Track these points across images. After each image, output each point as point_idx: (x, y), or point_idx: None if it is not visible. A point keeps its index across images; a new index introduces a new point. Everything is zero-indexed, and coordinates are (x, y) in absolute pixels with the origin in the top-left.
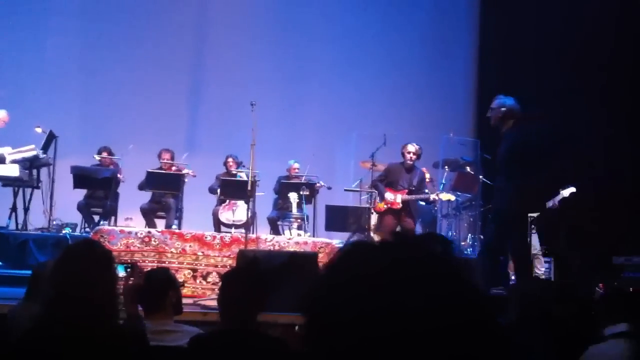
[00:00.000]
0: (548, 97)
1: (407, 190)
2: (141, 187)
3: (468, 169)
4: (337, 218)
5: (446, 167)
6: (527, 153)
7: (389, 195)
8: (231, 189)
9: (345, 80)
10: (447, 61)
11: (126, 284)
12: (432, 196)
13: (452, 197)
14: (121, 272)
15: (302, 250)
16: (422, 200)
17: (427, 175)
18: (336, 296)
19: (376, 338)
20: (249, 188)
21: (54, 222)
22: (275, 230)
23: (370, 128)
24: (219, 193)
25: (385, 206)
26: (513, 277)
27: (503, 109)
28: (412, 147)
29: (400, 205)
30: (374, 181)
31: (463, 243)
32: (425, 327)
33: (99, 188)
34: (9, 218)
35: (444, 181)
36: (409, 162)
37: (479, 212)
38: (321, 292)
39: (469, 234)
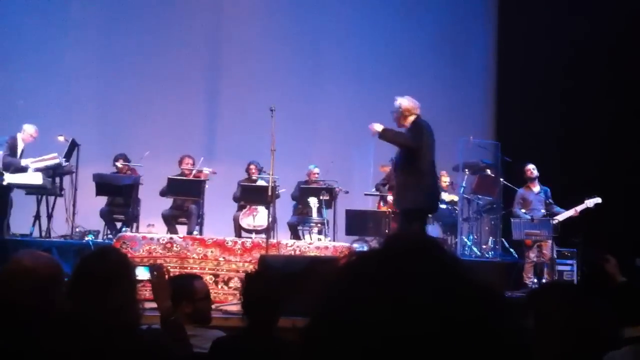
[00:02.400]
0: (569, 97)
1: None
2: (163, 193)
3: (488, 171)
4: (357, 222)
5: (466, 170)
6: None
7: (390, 198)
8: (251, 194)
9: (364, 84)
10: (465, 63)
11: (153, 283)
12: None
13: (456, 197)
14: (145, 274)
15: (323, 254)
16: None
17: (448, 179)
18: (338, 305)
19: (378, 344)
20: (269, 193)
21: (77, 230)
22: (296, 235)
23: None
24: (238, 199)
25: (388, 209)
26: (528, 282)
27: (400, 109)
28: None
29: None
30: (377, 185)
31: (484, 246)
32: (428, 330)
33: (120, 195)
34: (33, 225)
35: (464, 184)
36: None
37: (500, 215)
38: (327, 299)
39: (490, 237)
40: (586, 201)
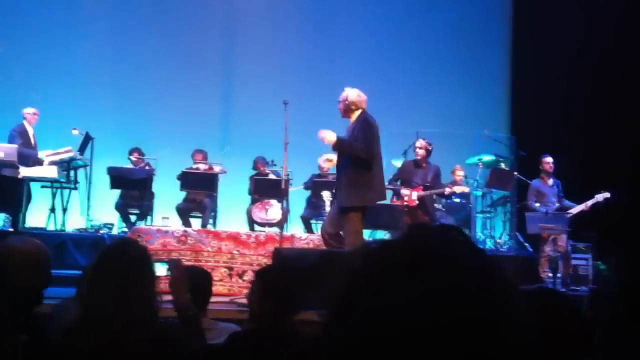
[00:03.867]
0: (586, 91)
1: (421, 187)
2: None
3: (502, 165)
4: (370, 216)
5: (481, 164)
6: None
7: (404, 192)
8: (265, 188)
9: (377, 78)
10: (480, 57)
11: (172, 278)
12: (447, 190)
13: (467, 189)
14: (163, 269)
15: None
16: (437, 194)
17: (461, 173)
18: (361, 295)
19: (398, 336)
20: (283, 187)
21: (92, 223)
22: (309, 229)
23: (403, 126)
24: (252, 192)
25: (402, 204)
26: (544, 276)
27: (347, 101)
28: (418, 143)
29: (417, 202)
30: (389, 179)
31: (498, 240)
32: (447, 320)
33: (134, 188)
34: (48, 219)
35: (478, 178)
36: (418, 158)
37: (515, 208)
38: (346, 292)
39: (504, 231)
40: (596, 196)
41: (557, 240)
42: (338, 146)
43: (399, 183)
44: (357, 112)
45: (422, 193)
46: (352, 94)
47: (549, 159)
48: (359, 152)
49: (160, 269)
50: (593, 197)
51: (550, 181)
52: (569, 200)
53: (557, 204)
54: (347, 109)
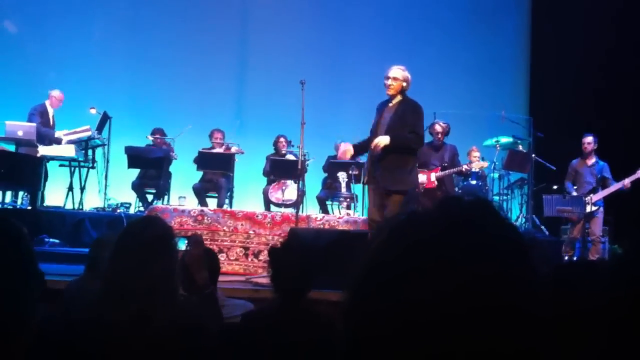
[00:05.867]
0: (605, 71)
1: (439, 168)
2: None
3: (520, 147)
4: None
5: (498, 145)
6: None
7: (420, 177)
8: (281, 168)
9: (394, 59)
10: (498, 38)
11: (191, 254)
12: (464, 167)
13: (485, 164)
14: (182, 246)
15: (352, 229)
16: (455, 173)
17: (477, 154)
18: (389, 270)
19: (431, 313)
20: (299, 167)
21: (109, 202)
22: (325, 210)
23: None
24: (269, 173)
25: (420, 188)
26: (567, 258)
27: (404, 81)
28: (439, 127)
29: (436, 183)
30: None
31: (514, 221)
32: (493, 303)
33: (152, 168)
34: (66, 197)
35: (495, 160)
36: (437, 140)
37: (532, 191)
38: (372, 268)
39: (521, 213)
40: (638, 171)
41: (590, 224)
42: (392, 146)
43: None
44: (403, 95)
45: (440, 174)
46: (408, 74)
47: (587, 139)
48: (412, 144)
49: (180, 245)
50: (635, 172)
51: (592, 161)
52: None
53: (596, 185)
54: (401, 89)
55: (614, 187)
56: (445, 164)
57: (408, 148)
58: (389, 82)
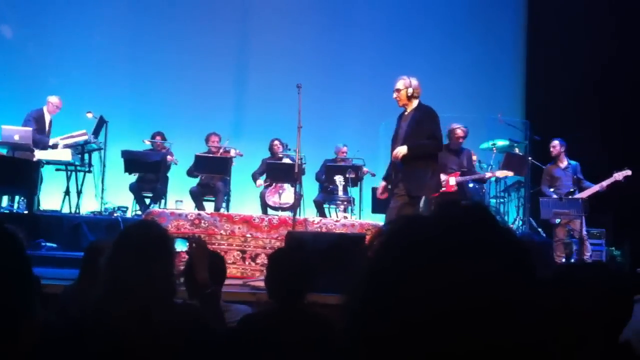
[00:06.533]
0: (602, 74)
1: (459, 173)
2: (190, 172)
3: (517, 150)
4: (383, 201)
5: (495, 148)
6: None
7: (442, 178)
8: (278, 172)
9: (390, 62)
10: (495, 41)
11: (192, 255)
12: (488, 174)
13: (510, 173)
14: (182, 247)
15: (349, 232)
16: (477, 180)
17: (474, 157)
18: (387, 272)
19: (426, 314)
20: (296, 171)
21: (106, 206)
22: (322, 213)
23: None
24: (265, 176)
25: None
26: (558, 260)
27: (411, 88)
28: (460, 132)
29: (456, 188)
30: None
31: (511, 225)
32: (484, 303)
33: (149, 171)
34: (63, 201)
35: (492, 163)
36: (456, 144)
37: (529, 193)
38: (371, 270)
39: (518, 216)
40: (615, 174)
41: (571, 224)
42: (411, 155)
43: None
44: (416, 101)
45: (460, 179)
46: (414, 80)
47: (554, 142)
48: (432, 150)
49: (179, 246)
50: (611, 176)
51: (564, 163)
52: (590, 182)
53: (574, 187)
54: (410, 97)
55: (593, 189)
56: (464, 169)
57: (427, 154)
58: (395, 95)
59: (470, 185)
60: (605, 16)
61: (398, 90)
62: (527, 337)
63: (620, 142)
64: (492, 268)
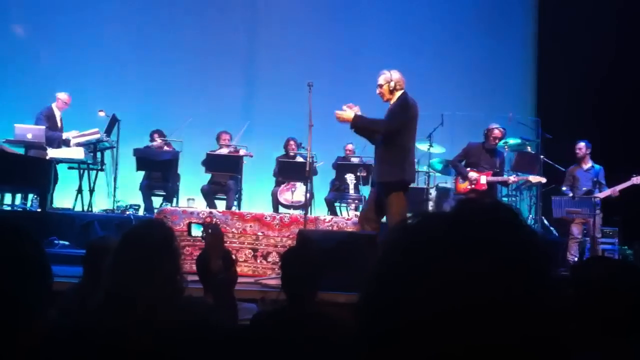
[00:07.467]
0: (613, 72)
1: (491, 172)
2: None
3: (529, 149)
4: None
5: (506, 147)
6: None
7: (472, 175)
8: (289, 170)
9: (401, 61)
10: (505, 39)
11: (207, 241)
12: (512, 178)
13: (543, 179)
14: (198, 232)
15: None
16: (500, 182)
17: None
18: (399, 270)
19: (440, 312)
20: (307, 169)
21: (118, 204)
22: (333, 211)
23: (427, 109)
24: (277, 174)
25: (469, 187)
26: (571, 259)
27: (392, 81)
28: (498, 132)
29: (486, 186)
30: (451, 161)
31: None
32: (493, 299)
33: (160, 170)
34: (75, 199)
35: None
36: (492, 144)
37: (540, 192)
38: (383, 267)
39: (530, 215)
40: (633, 178)
41: (590, 224)
42: (353, 123)
43: (463, 164)
44: (399, 93)
45: (491, 178)
46: (395, 73)
47: (579, 144)
48: (378, 129)
49: (195, 231)
50: (629, 179)
51: (588, 165)
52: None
53: (592, 189)
54: (392, 90)
55: (605, 193)
56: (497, 170)
57: (371, 130)
58: (377, 91)
59: None
60: (615, 13)
61: (380, 86)
62: (544, 336)
63: (630, 143)
64: (504, 268)
